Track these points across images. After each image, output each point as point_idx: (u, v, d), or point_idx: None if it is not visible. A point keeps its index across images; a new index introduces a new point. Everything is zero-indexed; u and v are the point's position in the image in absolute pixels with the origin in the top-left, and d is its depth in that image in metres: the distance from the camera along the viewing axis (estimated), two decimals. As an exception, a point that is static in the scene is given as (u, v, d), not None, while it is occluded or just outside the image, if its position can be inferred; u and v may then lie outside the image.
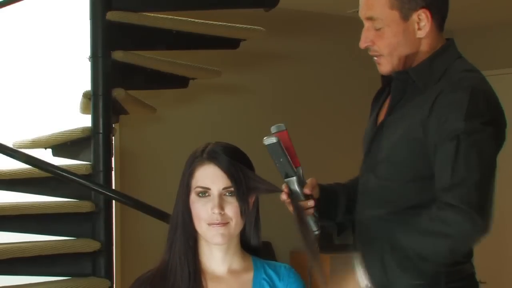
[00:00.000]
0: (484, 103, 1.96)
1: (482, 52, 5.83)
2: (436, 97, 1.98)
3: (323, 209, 2.19)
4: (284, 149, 2.05)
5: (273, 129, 2.09)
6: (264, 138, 2.03)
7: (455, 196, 1.86)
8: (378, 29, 2.07)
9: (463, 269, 2.08)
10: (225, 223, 1.85)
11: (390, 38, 2.06)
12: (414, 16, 2.05)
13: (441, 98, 1.97)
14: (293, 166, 2.09)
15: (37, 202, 3.42)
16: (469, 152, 1.90)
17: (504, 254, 5.93)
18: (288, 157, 2.07)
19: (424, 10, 2.04)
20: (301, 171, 2.12)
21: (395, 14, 2.05)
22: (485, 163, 1.92)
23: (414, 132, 2.00)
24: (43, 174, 3.30)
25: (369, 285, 1.95)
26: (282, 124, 2.09)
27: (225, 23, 3.75)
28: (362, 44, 2.11)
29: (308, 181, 2.15)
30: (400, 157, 2.05)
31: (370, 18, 2.08)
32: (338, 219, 2.31)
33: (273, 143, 2.03)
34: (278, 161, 2.06)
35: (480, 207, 1.87)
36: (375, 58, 2.12)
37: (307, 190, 2.12)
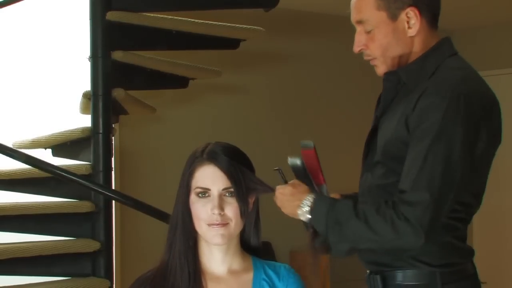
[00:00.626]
0: (464, 108, 1.94)
1: (482, 52, 5.84)
2: (419, 96, 1.98)
3: None
4: (308, 169, 2.08)
5: (301, 144, 2.09)
6: (289, 157, 2.05)
7: (412, 212, 1.90)
8: (368, 32, 2.08)
9: (463, 269, 2.08)
10: (225, 224, 1.85)
11: (380, 39, 2.07)
12: (403, 15, 2.05)
13: (423, 98, 1.97)
14: (315, 185, 2.11)
15: (36, 202, 3.42)
16: (436, 165, 1.91)
17: (504, 254, 5.93)
18: (310, 177, 2.10)
19: (411, 8, 2.04)
20: (325, 188, 2.14)
21: (382, 15, 2.05)
22: (449, 178, 1.93)
23: (400, 131, 2.00)
24: (43, 174, 3.30)
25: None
26: (311, 142, 2.10)
27: (225, 23, 3.75)
28: (356, 49, 2.12)
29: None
30: (391, 157, 2.05)
31: (359, 22, 2.09)
32: None
33: (296, 165, 2.04)
34: (300, 180, 2.09)
35: (429, 226, 1.91)
36: (371, 61, 2.12)
37: None
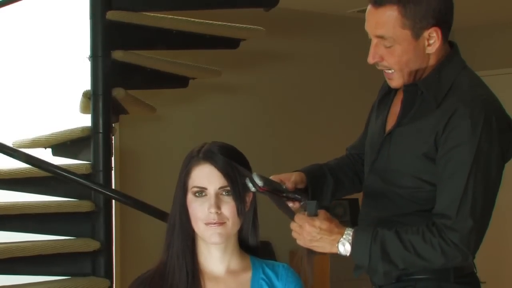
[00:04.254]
0: (496, 129, 2.00)
1: (482, 52, 5.84)
2: (450, 116, 2.00)
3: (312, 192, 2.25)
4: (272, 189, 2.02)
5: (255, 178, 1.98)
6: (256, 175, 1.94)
7: (459, 238, 1.98)
8: (388, 47, 2.06)
9: (469, 266, 2.14)
10: (222, 223, 1.85)
11: (400, 55, 2.06)
12: (425, 34, 2.04)
13: (455, 119, 2.00)
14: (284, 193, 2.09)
15: (37, 201, 3.42)
16: (477, 189, 1.98)
17: (504, 254, 5.93)
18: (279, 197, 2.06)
19: (435, 28, 2.04)
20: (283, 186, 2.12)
21: (406, 33, 2.03)
22: (489, 200, 2.02)
23: (427, 147, 2.04)
24: (43, 173, 3.30)
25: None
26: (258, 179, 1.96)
27: (225, 23, 3.75)
28: (371, 60, 2.10)
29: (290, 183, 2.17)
30: (412, 170, 2.09)
31: (380, 37, 2.06)
32: (325, 202, 2.36)
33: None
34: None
35: (476, 247, 2.02)
36: (386, 74, 2.12)
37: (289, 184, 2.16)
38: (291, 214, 2.05)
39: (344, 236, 2.01)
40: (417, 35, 2.04)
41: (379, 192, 2.17)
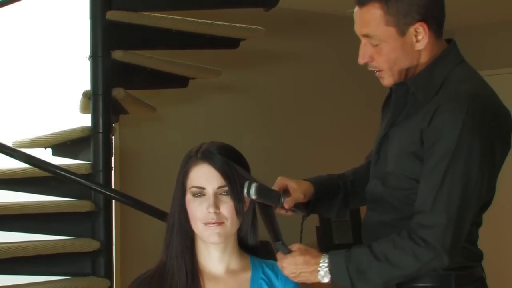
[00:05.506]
0: (479, 125, 1.94)
1: (482, 52, 5.83)
2: (434, 112, 1.97)
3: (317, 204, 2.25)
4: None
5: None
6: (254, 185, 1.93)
7: (432, 235, 1.91)
8: (375, 46, 2.05)
9: (475, 272, 2.09)
10: (220, 223, 1.85)
11: (388, 54, 2.04)
12: (411, 30, 2.02)
13: (438, 114, 1.96)
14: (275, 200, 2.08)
15: (37, 201, 3.42)
16: (454, 184, 1.92)
17: (504, 254, 5.92)
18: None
19: (420, 23, 2.02)
20: (281, 198, 2.12)
21: (391, 31, 2.02)
22: (467, 197, 1.94)
23: (414, 146, 2.01)
24: (43, 173, 3.30)
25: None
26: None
27: (225, 23, 3.75)
28: (361, 60, 2.09)
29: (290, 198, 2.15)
30: (405, 171, 2.05)
31: (366, 35, 2.06)
32: (332, 215, 2.34)
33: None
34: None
35: (452, 247, 1.93)
36: (377, 73, 2.11)
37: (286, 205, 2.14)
38: (275, 247, 2.05)
39: (320, 265, 1.99)
40: (402, 31, 2.02)
41: (379, 196, 2.15)
